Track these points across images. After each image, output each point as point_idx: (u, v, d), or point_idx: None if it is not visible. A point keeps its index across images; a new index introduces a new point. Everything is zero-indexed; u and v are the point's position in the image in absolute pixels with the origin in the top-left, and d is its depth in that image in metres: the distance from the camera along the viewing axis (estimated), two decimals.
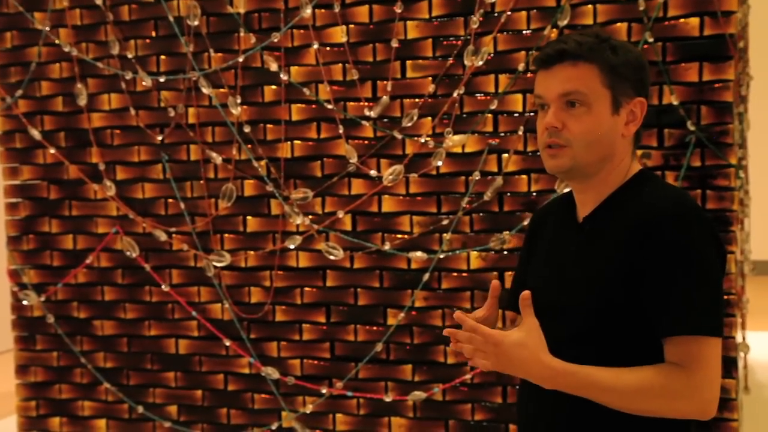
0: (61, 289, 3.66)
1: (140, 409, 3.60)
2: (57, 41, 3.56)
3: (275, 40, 3.30)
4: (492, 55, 3.10)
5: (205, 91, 3.39)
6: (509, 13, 3.06)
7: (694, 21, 2.89)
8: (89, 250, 3.61)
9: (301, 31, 3.29)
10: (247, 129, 3.37)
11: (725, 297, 2.93)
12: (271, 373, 3.41)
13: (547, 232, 1.81)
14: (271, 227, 3.40)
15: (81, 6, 3.53)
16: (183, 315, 3.53)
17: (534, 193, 3.11)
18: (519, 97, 3.09)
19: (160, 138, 3.49)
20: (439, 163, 3.18)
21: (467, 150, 3.16)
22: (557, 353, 1.53)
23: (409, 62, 3.19)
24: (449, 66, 3.14)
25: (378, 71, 3.23)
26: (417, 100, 3.19)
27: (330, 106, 3.27)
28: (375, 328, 3.31)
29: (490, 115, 3.13)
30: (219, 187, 3.42)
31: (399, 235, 3.25)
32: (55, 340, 3.69)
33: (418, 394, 3.26)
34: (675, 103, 2.90)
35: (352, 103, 3.26)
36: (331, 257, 3.30)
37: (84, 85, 3.55)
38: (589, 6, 2.99)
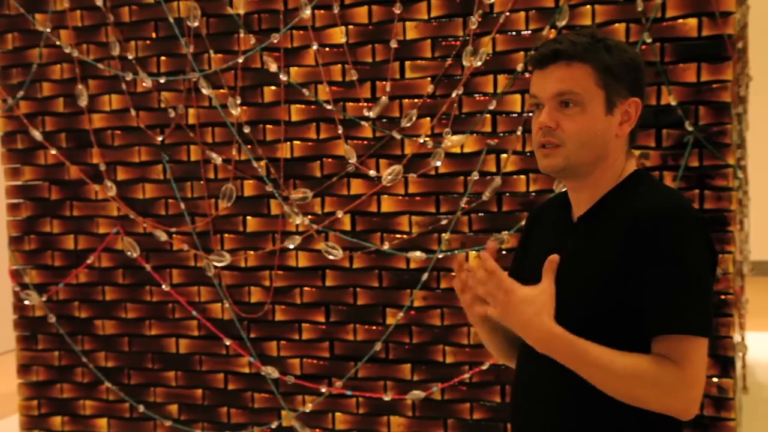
0: (63, 288, 3.68)
1: (141, 408, 3.61)
2: (58, 42, 3.58)
3: (275, 41, 3.31)
4: (490, 55, 3.11)
5: (205, 91, 3.40)
6: (508, 13, 3.08)
7: (693, 21, 2.90)
8: (90, 250, 3.63)
9: (301, 32, 3.30)
10: (246, 129, 3.38)
11: (724, 297, 2.94)
12: (271, 372, 3.43)
13: (542, 231, 1.82)
14: (270, 227, 3.41)
15: (82, 7, 3.55)
16: (183, 314, 3.54)
17: (532, 193, 3.12)
18: (517, 97, 3.10)
19: (160, 138, 3.50)
20: (438, 164, 3.19)
21: (466, 150, 3.17)
22: None
23: (408, 63, 3.21)
24: (448, 66, 3.15)
25: (377, 72, 3.24)
26: (416, 100, 3.20)
27: (329, 107, 3.28)
28: (374, 327, 3.32)
29: (488, 115, 3.14)
30: (219, 188, 3.43)
31: (398, 235, 3.27)
32: (56, 339, 3.71)
33: (417, 393, 3.27)
34: (673, 103, 2.91)
35: (351, 104, 3.27)
36: (331, 257, 3.32)
37: (85, 86, 3.57)
38: (588, 6, 3.00)
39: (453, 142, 3.17)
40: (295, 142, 3.36)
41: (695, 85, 2.90)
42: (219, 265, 3.46)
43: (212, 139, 3.45)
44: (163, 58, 3.48)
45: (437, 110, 3.18)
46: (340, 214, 3.31)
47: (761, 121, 6.22)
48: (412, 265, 3.26)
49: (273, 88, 3.36)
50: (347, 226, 3.32)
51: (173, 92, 3.47)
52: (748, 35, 4.01)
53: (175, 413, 3.60)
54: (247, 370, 3.49)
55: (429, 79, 3.18)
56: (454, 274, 1.67)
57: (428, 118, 3.20)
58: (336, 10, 3.24)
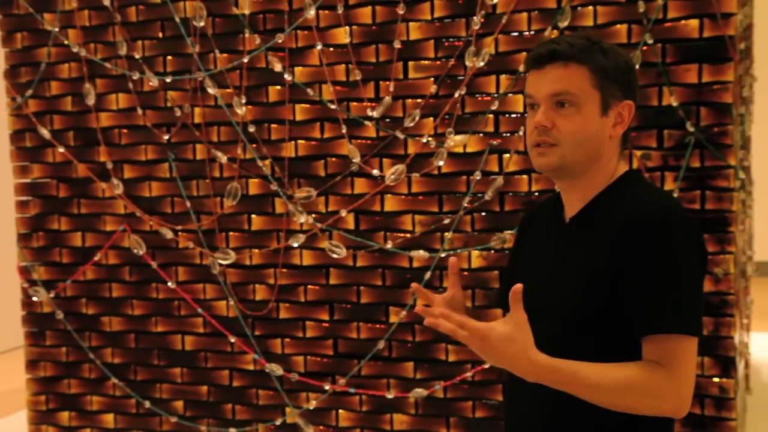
0: (70, 285, 3.72)
1: (147, 404, 3.65)
2: (66, 42, 3.62)
3: (280, 41, 3.34)
4: (493, 56, 3.13)
5: (210, 91, 3.43)
6: (510, 14, 3.09)
7: (694, 23, 2.91)
8: (97, 248, 3.67)
9: (305, 32, 3.33)
10: (251, 129, 3.41)
11: (725, 297, 2.95)
12: (275, 369, 3.46)
13: (535, 231, 1.84)
14: (275, 226, 3.44)
15: (89, 7, 3.58)
16: (189, 312, 3.58)
17: (535, 193, 3.13)
18: (520, 97, 3.12)
19: (166, 137, 3.54)
20: (441, 163, 3.21)
21: (468, 150, 3.19)
22: (542, 351, 1.55)
23: (411, 63, 3.23)
24: (451, 67, 3.17)
25: (380, 72, 3.26)
26: (419, 100, 3.22)
27: (333, 107, 3.31)
28: (377, 325, 3.35)
29: (491, 115, 3.16)
30: (224, 186, 3.46)
31: (401, 234, 3.29)
32: (64, 335, 3.75)
33: (420, 392, 3.30)
34: (674, 104, 2.92)
35: (355, 104, 3.30)
36: (334, 255, 3.34)
37: (92, 85, 3.61)
38: (590, 7, 3.01)
39: (456, 141, 3.19)
40: (300, 141, 3.38)
41: (696, 86, 2.91)
42: (224, 262, 3.49)
43: (218, 138, 3.48)
44: (169, 57, 3.51)
45: (440, 110, 3.20)
46: (343, 213, 3.33)
47: (766, 122, 6.20)
48: (415, 264, 3.28)
49: (278, 87, 3.39)
50: (351, 225, 3.35)
51: (179, 91, 3.51)
52: (753, 36, 4.01)
53: (181, 409, 3.63)
54: (251, 367, 3.52)
55: (432, 79, 3.20)
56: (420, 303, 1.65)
57: (431, 118, 3.22)
58: (340, 11, 3.27)
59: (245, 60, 3.39)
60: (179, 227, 3.55)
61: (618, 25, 2.98)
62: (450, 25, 3.18)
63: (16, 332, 4.16)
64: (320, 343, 3.44)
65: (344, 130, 3.31)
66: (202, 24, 3.42)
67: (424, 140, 3.22)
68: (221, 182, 3.48)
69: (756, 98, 4.44)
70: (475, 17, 3.12)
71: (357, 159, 3.29)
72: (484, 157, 3.17)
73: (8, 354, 6.62)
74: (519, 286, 1.52)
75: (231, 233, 3.50)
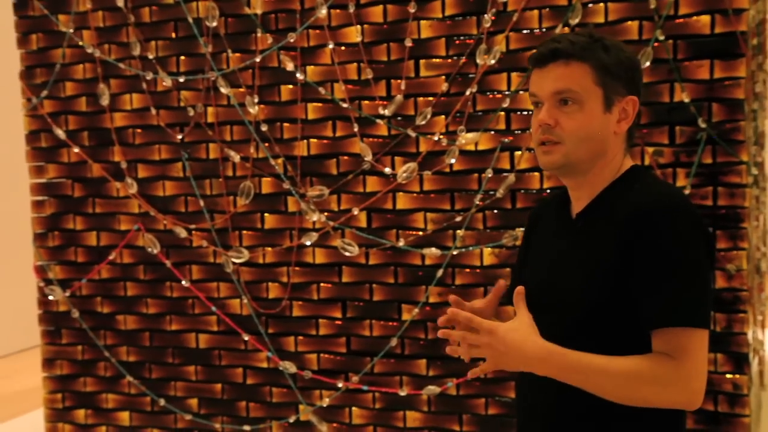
0: (86, 284, 3.75)
1: (162, 401, 3.68)
2: (80, 43, 3.65)
3: (291, 41, 3.36)
4: (504, 53, 3.13)
5: (223, 90, 3.45)
6: (521, 12, 3.10)
7: (705, 19, 2.90)
8: (112, 247, 3.70)
9: (317, 31, 3.35)
10: (264, 128, 3.43)
11: (738, 293, 2.94)
12: (289, 367, 3.47)
13: (543, 227, 1.85)
14: (288, 224, 3.46)
15: (103, 8, 3.61)
16: (203, 310, 3.60)
17: (546, 190, 3.14)
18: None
19: (180, 137, 3.56)
20: (453, 161, 3.22)
21: (480, 148, 3.20)
22: None
23: (422, 61, 3.24)
24: (462, 65, 3.18)
25: (392, 70, 3.27)
26: (430, 98, 3.23)
27: (345, 105, 3.32)
28: (390, 323, 3.36)
29: (502, 113, 3.17)
30: (237, 185, 3.49)
31: (413, 232, 3.30)
32: (79, 334, 3.79)
33: (433, 389, 3.31)
34: (686, 100, 2.92)
35: (366, 102, 3.31)
36: (347, 254, 3.36)
37: (106, 86, 3.64)
38: (601, 4, 3.01)
39: (467, 139, 3.20)
40: (312, 140, 3.40)
41: (708, 82, 2.91)
42: (237, 261, 3.51)
43: (230, 137, 3.50)
44: (182, 57, 3.54)
45: (451, 108, 3.21)
46: (356, 211, 3.35)
47: None
48: (427, 262, 3.29)
49: (290, 86, 3.40)
50: (363, 223, 3.36)
51: (192, 91, 3.53)
52: (767, 32, 3.99)
53: (195, 407, 3.66)
54: (265, 364, 3.54)
55: (443, 77, 3.21)
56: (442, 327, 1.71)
57: (443, 116, 3.23)
58: (351, 10, 3.28)
59: (257, 59, 3.41)
60: (193, 226, 3.58)
61: (629, 22, 2.97)
62: (461, 23, 3.18)
63: (33, 331, 4.20)
64: (333, 340, 3.45)
65: (356, 129, 3.32)
66: (214, 24, 3.44)
67: (436, 138, 3.23)
68: (234, 181, 3.51)
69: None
70: (486, 15, 3.13)
71: (369, 157, 3.31)
72: (496, 155, 3.17)
73: (25, 353, 6.69)
74: (521, 289, 1.58)
75: (244, 232, 3.52)
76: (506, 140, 3.16)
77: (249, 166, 3.47)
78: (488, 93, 3.18)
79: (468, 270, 3.24)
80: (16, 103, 3.96)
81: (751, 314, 3.20)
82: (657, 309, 1.56)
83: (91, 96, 3.68)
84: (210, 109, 3.51)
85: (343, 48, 3.33)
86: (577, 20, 3.02)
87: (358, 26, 3.29)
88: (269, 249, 3.49)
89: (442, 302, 3.28)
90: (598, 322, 1.61)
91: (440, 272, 3.25)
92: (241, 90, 3.45)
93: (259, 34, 3.41)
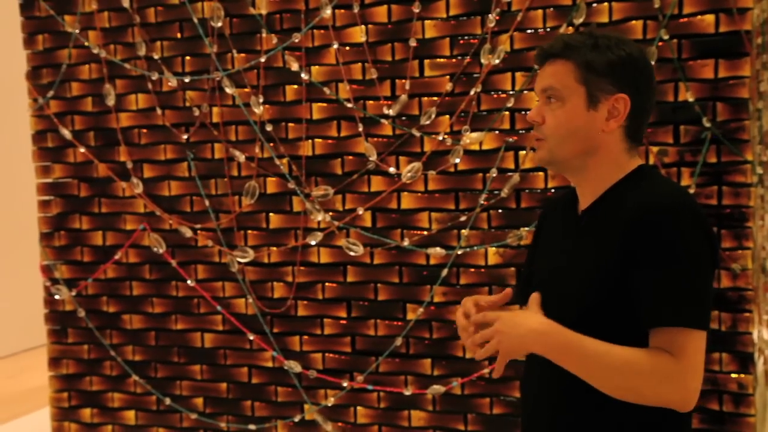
0: (92, 283, 3.77)
1: (167, 401, 3.69)
2: (86, 43, 3.67)
3: (296, 41, 3.37)
4: (508, 53, 3.14)
5: (228, 90, 3.46)
6: (525, 11, 3.10)
7: (710, 18, 2.90)
8: (118, 246, 3.71)
9: (322, 31, 3.35)
10: (269, 128, 3.44)
11: (745, 293, 2.94)
12: (294, 366, 3.48)
13: (550, 226, 1.86)
14: (293, 224, 3.47)
15: (109, 9, 3.63)
16: (208, 309, 3.61)
17: (551, 190, 3.14)
18: (535, 94, 3.12)
19: (185, 137, 3.57)
20: (457, 161, 3.22)
21: (484, 147, 3.20)
22: None
23: (427, 61, 3.24)
24: (466, 64, 3.18)
25: (396, 70, 3.28)
26: (435, 98, 3.23)
27: (350, 105, 3.33)
28: (395, 322, 3.37)
29: (506, 112, 3.17)
30: (242, 185, 3.50)
31: (418, 232, 3.30)
32: (85, 333, 3.80)
33: (437, 388, 3.31)
34: (691, 99, 2.92)
35: (371, 102, 3.32)
36: (352, 253, 3.36)
37: (112, 86, 3.65)
38: (605, 4, 3.01)
39: (472, 139, 3.20)
40: (317, 139, 3.41)
41: (713, 81, 2.90)
42: (243, 260, 3.52)
43: (236, 137, 3.51)
44: (187, 57, 3.55)
45: (456, 108, 3.21)
46: (360, 210, 3.35)
47: None
48: (432, 261, 3.29)
49: (295, 86, 3.41)
50: (368, 223, 3.37)
51: (198, 91, 3.54)
52: None
53: (201, 406, 3.67)
54: (270, 364, 3.55)
55: (448, 77, 3.21)
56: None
57: (447, 116, 3.23)
58: (356, 10, 3.29)
59: (262, 59, 3.42)
60: (198, 226, 3.59)
61: (633, 21, 2.97)
62: (465, 22, 3.19)
63: (39, 330, 4.22)
64: (338, 340, 3.46)
65: (361, 129, 3.33)
66: (219, 24, 3.45)
67: (440, 138, 3.24)
68: (239, 181, 3.52)
69: None
70: (490, 15, 3.13)
71: (373, 157, 3.31)
72: (500, 155, 3.18)
73: (31, 351, 6.71)
74: (537, 296, 1.66)
75: (249, 231, 3.53)
76: (510, 140, 3.17)
77: (254, 165, 3.48)
78: (493, 93, 3.18)
79: (473, 270, 3.25)
80: (23, 104, 3.98)
81: (757, 313, 3.20)
82: (656, 308, 1.56)
83: (97, 96, 3.69)
84: (215, 109, 3.52)
85: (347, 48, 3.33)
86: (581, 20, 3.02)
87: (363, 26, 3.29)
88: (274, 249, 3.50)
89: (447, 302, 3.29)
90: (598, 321, 1.62)
91: (445, 272, 3.26)
92: (246, 90, 3.46)
93: (264, 35, 3.41)
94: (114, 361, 3.77)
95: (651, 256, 1.57)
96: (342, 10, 3.32)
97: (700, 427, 2.99)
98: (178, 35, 3.56)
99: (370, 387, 3.41)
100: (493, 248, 3.22)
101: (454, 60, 3.21)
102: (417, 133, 3.26)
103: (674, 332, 1.55)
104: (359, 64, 3.32)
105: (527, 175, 3.16)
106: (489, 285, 3.23)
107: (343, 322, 3.44)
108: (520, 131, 3.16)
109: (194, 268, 3.62)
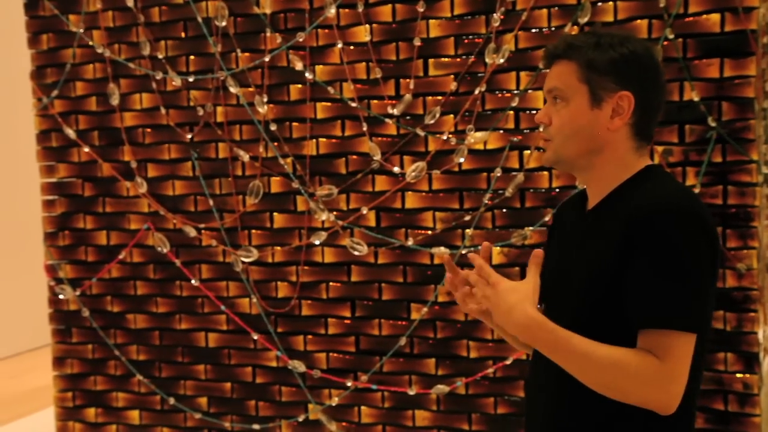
0: (96, 283, 3.77)
1: (171, 400, 3.69)
2: (91, 43, 3.67)
3: (300, 40, 3.36)
4: (513, 52, 3.13)
5: (232, 90, 3.46)
6: (530, 10, 3.09)
7: (715, 17, 2.89)
8: (122, 246, 3.71)
9: (326, 30, 3.35)
10: (273, 127, 3.44)
11: (750, 293, 2.93)
12: (298, 366, 3.48)
13: (562, 224, 1.86)
14: (297, 223, 3.47)
15: (113, 8, 3.63)
16: (212, 309, 3.61)
17: (555, 189, 3.13)
18: (540, 94, 3.12)
19: (189, 136, 3.57)
20: (462, 160, 3.22)
21: (489, 147, 3.20)
22: None
23: (431, 60, 3.24)
24: (471, 64, 3.18)
25: (401, 69, 3.27)
26: (439, 97, 3.23)
27: (354, 104, 3.33)
28: (399, 322, 3.36)
29: (511, 112, 3.16)
30: (246, 184, 3.49)
31: (422, 231, 3.30)
32: (90, 333, 3.80)
33: (442, 388, 3.31)
34: (696, 99, 2.91)
35: (375, 101, 3.31)
36: (356, 253, 3.36)
37: (116, 85, 3.65)
38: (610, 3, 3.00)
39: (476, 138, 3.20)
40: (321, 139, 3.41)
41: (718, 80, 2.90)
42: (247, 260, 3.52)
43: (240, 137, 3.51)
44: (192, 57, 3.55)
45: (460, 107, 3.21)
46: (364, 210, 3.35)
47: None
48: (436, 261, 3.29)
49: (299, 86, 3.41)
50: (372, 222, 3.36)
51: (202, 91, 3.54)
52: None
53: (205, 406, 3.67)
54: (274, 363, 3.55)
55: (452, 76, 3.21)
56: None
57: (451, 115, 3.23)
58: (360, 9, 3.28)
59: (267, 59, 3.42)
60: (202, 225, 3.59)
61: (638, 21, 2.97)
62: (470, 22, 3.18)
63: (44, 330, 4.22)
64: (342, 339, 3.46)
65: (365, 128, 3.33)
66: (223, 24, 3.45)
67: (445, 137, 3.23)
68: (243, 180, 3.51)
69: None
70: (494, 14, 3.13)
71: (378, 156, 3.31)
72: (505, 154, 3.17)
73: (36, 351, 6.72)
74: (539, 251, 1.61)
75: (253, 231, 3.53)
76: (515, 139, 3.16)
77: (258, 165, 3.48)
78: (497, 92, 3.17)
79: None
80: (27, 103, 3.99)
81: (762, 313, 3.19)
82: (644, 310, 1.55)
83: (102, 96, 3.69)
84: (219, 109, 3.52)
85: (351, 47, 3.33)
86: (586, 19, 3.01)
87: (367, 26, 3.29)
88: (278, 248, 3.50)
89: (451, 301, 3.28)
90: (597, 319, 1.61)
91: None
92: (251, 89, 3.46)
93: (268, 34, 3.41)
94: (118, 361, 3.77)
95: (645, 256, 1.56)
96: (346, 10, 3.32)
97: (705, 427, 2.99)
98: (183, 35, 3.56)
99: (374, 387, 3.41)
100: (498, 248, 3.21)
101: (458, 59, 3.20)
102: (421, 133, 3.26)
103: (660, 334, 1.54)
104: (363, 63, 3.32)
105: (532, 174, 3.16)
106: None
107: (348, 321, 3.44)
108: (525, 131, 3.15)
109: (198, 268, 3.62)
